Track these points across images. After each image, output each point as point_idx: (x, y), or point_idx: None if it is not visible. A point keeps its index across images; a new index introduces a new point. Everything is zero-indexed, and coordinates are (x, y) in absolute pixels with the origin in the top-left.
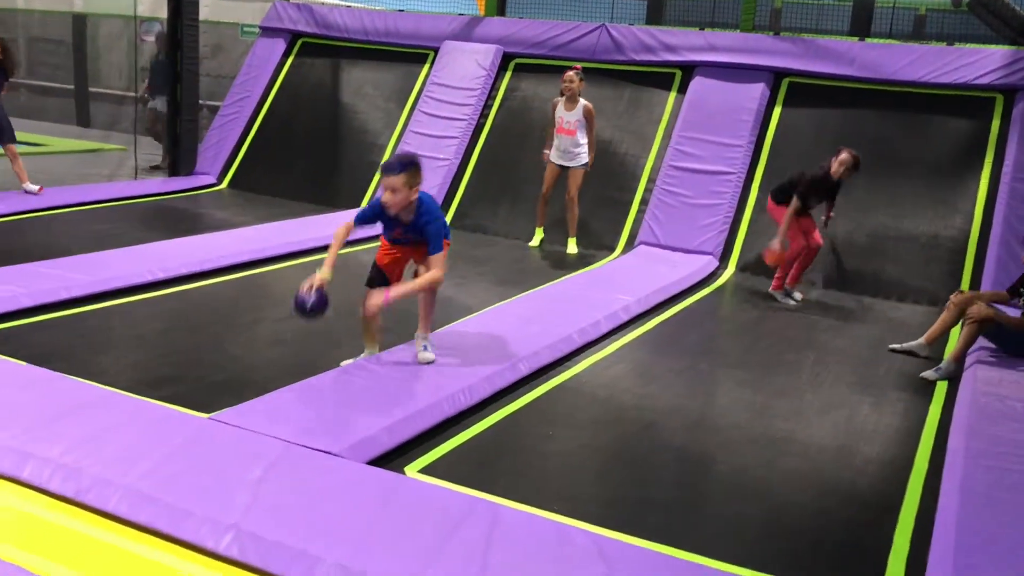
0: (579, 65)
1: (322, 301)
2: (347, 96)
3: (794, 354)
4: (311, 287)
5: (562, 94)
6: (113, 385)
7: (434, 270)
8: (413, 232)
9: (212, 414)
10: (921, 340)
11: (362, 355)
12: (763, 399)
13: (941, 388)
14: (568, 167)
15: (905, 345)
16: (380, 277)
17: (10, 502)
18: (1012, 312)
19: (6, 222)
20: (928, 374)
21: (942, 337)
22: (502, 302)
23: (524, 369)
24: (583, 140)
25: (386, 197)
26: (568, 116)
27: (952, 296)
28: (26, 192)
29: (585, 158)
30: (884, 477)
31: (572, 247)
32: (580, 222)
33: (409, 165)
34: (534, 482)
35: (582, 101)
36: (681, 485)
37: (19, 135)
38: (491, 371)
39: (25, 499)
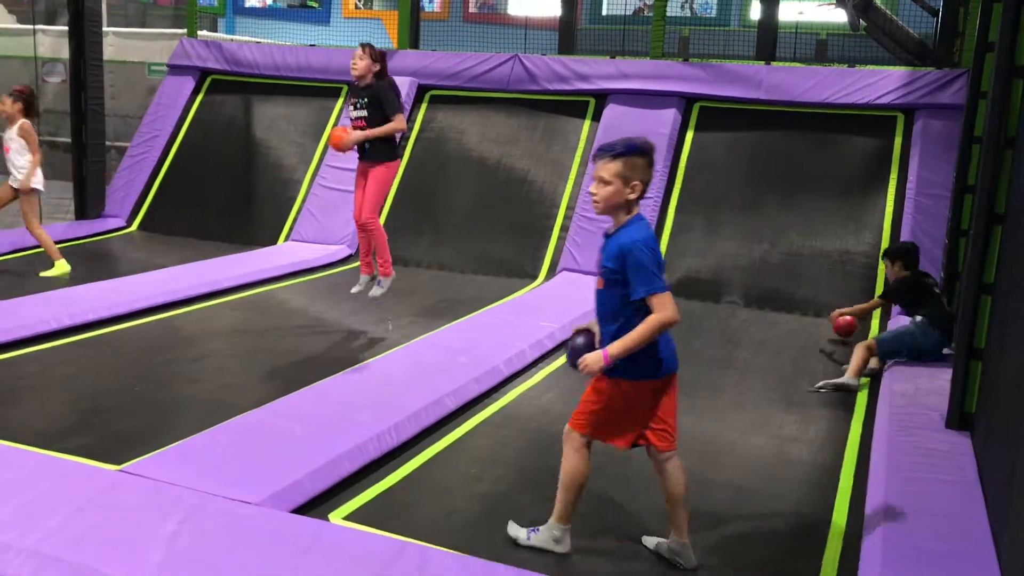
0: None
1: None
2: (260, 132)
3: (717, 374)
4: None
5: None
6: (16, 440)
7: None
8: (611, 251)
9: (123, 465)
10: (849, 375)
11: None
12: (689, 421)
13: (860, 401)
14: None
15: (834, 381)
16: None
17: None
18: (903, 321)
19: None
20: (837, 382)
21: (866, 365)
22: (427, 334)
23: (451, 404)
24: None
25: (592, 187)
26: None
27: (832, 315)
28: None
29: None
30: (813, 491)
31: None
32: (501, 250)
33: (632, 151)
34: (464, 523)
35: None
36: (609, 510)
37: None
38: (417, 408)
39: None
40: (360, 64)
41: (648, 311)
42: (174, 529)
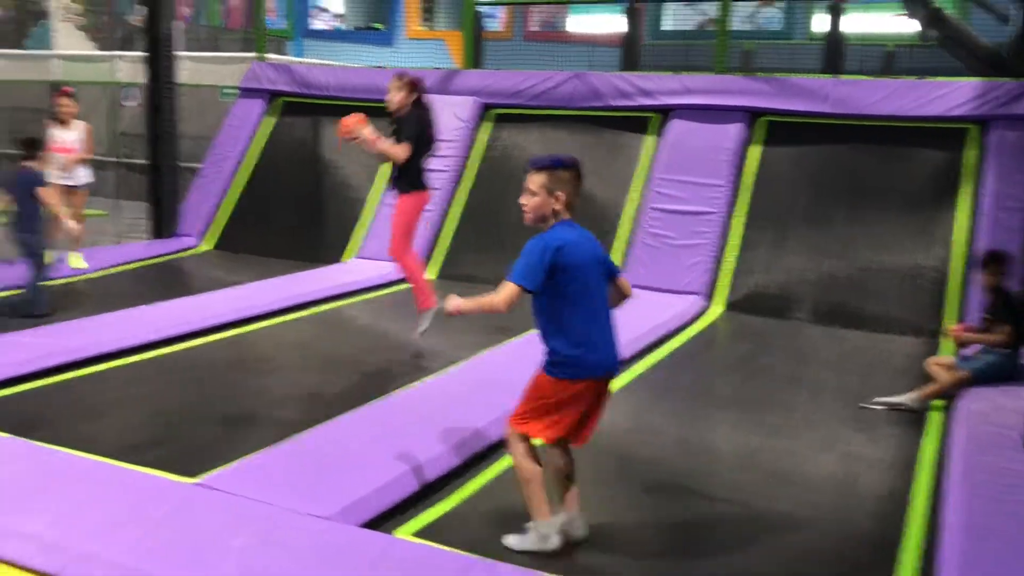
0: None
1: None
2: (328, 153)
3: (786, 391)
4: None
5: None
6: (97, 453)
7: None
8: None
9: (199, 478)
10: (915, 396)
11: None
12: (758, 440)
13: (934, 420)
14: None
15: (892, 400)
16: None
17: None
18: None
19: None
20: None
21: (935, 397)
22: (491, 349)
23: None
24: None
25: (522, 198)
26: None
27: (950, 330)
28: None
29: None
30: (884, 513)
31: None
32: None
33: (552, 166)
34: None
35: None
36: (681, 534)
37: None
38: (482, 424)
39: None
40: (395, 98)
41: (557, 312)
42: (247, 542)
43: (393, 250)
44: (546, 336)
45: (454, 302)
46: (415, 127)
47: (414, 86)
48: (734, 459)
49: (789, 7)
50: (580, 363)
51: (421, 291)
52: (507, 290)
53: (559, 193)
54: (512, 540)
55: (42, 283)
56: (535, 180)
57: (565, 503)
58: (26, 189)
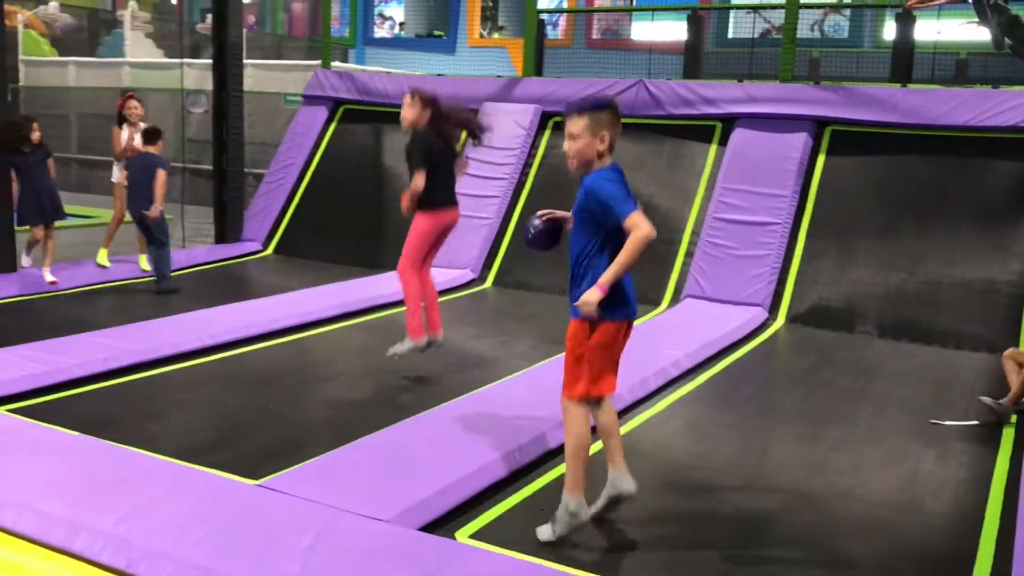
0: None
1: (549, 234)
2: (389, 159)
3: (850, 405)
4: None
5: None
6: (162, 453)
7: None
8: (580, 195)
9: (261, 480)
10: (1004, 402)
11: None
12: (821, 453)
13: (1008, 436)
14: None
15: (966, 423)
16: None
17: (62, 575)
18: None
19: (64, 294)
20: (987, 400)
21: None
22: (548, 359)
23: None
24: None
25: (565, 145)
26: None
27: (1006, 354)
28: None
29: None
30: (954, 533)
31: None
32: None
33: (594, 107)
34: (588, 546)
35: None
36: (740, 546)
37: (69, 208)
38: (541, 431)
39: (77, 572)
40: (408, 114)
41: (613, 242)
42: (310, 543)
43: (400, 267)
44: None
45: (604, 277)
46: (423, 151)
47: (427, 103)
48: (795, 473)
49: (856, 15)
50: (630, 300)
51: (413, 316)
52: (637, 217)
53: (604, 134)
54: (545, 531)
55: (164, 261)
56: (577, 123)
57: (618, 461)
58: (148, 171)
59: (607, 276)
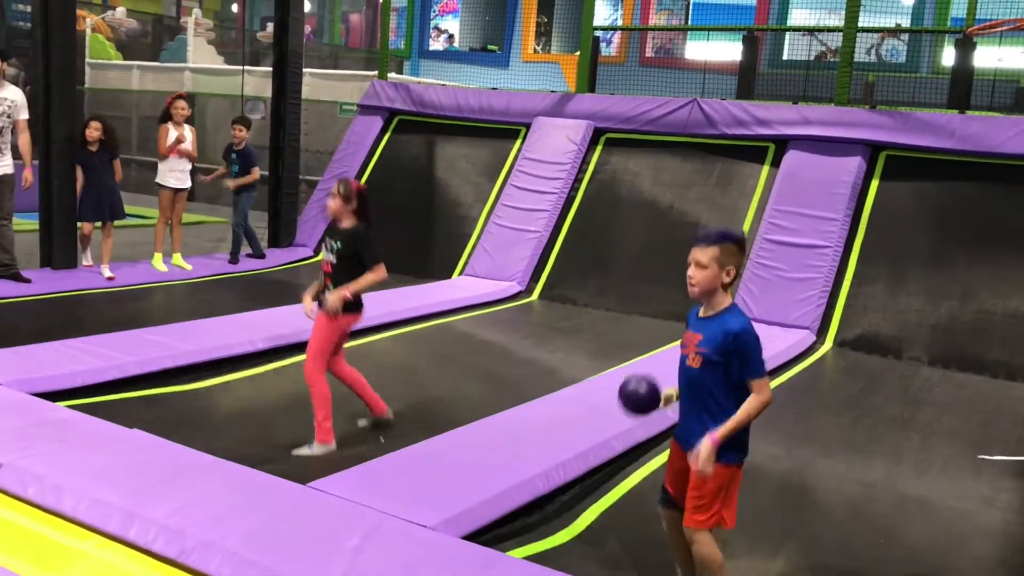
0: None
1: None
2: (441, 171)
3: (897, 434)
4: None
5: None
6: (214, 451)
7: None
8: (715, 336)
9: (311, 482)
10: None
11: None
12: (864, 487)
13: None
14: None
15: (1019, 458)
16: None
17: (117, 562)
18: None
19: (121, 291)
20: None
21: None
22: (594, 376)
23: (618, 447)
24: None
25: (690, 271)
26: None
27: None
28: (102, 275)
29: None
30: (1005, 570)
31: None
32: (670, 294)
33: (725, 239)
34: (631, 568)
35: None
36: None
37: (129, 208)
38: (584, 448)
39: (131, 559)
40: (331, 204)
41: (738, 394)
42: (357, 544)
43: (310, 369)
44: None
45: (719, 433)
46: (374, 244)
47: (358, 195)
48: (839, 503)
49: (915, 39)
50: (747, 443)
51: (321, 419)
52: (766, 383)
53: (730, 267)
54: None
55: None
56: (706, 253)
57: None
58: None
59: (723, 431)
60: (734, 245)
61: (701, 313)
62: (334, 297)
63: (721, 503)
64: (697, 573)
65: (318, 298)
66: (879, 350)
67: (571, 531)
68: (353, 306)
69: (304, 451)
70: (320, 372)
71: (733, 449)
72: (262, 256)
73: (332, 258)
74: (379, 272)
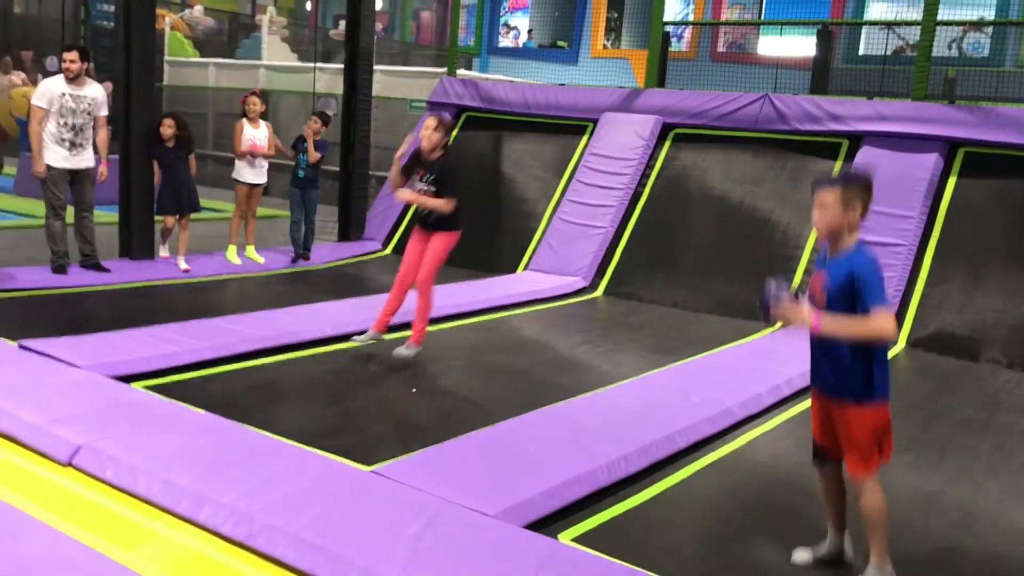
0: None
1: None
2: (508, 166)
3: (972, 437)
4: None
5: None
6: (283, 435)
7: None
8: (838, 273)
9: (374, 467)
10: None
11: None
12: (936, 486)
13: None
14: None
15: None
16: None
17: (188, 542)
18: None
19: (196, 282)
20: None
21: None
22: (658, 370)
23: (681, 441)
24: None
25: (816, 215)
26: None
27: None
28: (178, 266)
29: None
30: None
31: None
32: (740, 291)
33: (849, 180)
34: (687, 560)
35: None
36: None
37: (204, 202)
38: (647, 441)
39: (201, 540)
40: (432, 137)
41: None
42: (418, 530)
43: (423, 280)
44: (872, 358)
45: (826, 322)
46: (456, 178)
47: (449, 129)
48: (910, 503)
49: (999, 32)
50: (886, 384)
51: (422, 327)
52: (888, 317)
53: (856, 203)
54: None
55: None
56: (829, 194)
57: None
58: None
59: (829, 324)
60: (858, 185)
61: (829, 255)
62: (407, 194)
63: (877, 447)
64: (863, 526)
65: (416, 218)
66: (954, 351)
67: (623, 507)
68: (451, 225)
69: (402, 351)
70: (432, 285)
71: (871, 390)
72: (307, 258)
73: (431, 188)
74: (450, 203)
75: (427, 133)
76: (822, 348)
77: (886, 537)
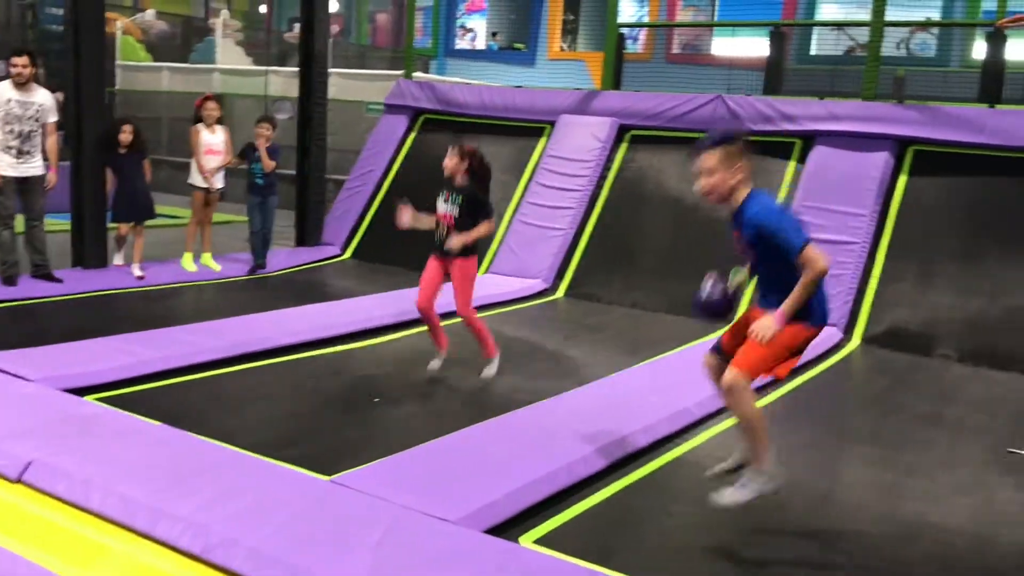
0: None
1: (727, 303)
2: None
3: (925, 430)
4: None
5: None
6: (241, 446)
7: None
8: (746, 230)
9: (333, 476)
10: None
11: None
12: (892, 478)
13: None
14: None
15: None
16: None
17: (143, 558)
18: None
19: (151, 290)
20: None
21: None
22: (618, 371)
23: (641, 441)
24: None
25: (700, 182)
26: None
27: None
28: (132, 274)
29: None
30: None
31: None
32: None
33: (725, 139)
34: (651, 558)
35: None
36: (804, 567)
37: (159, 208)
38: (607, 442)
39: (157, 555)
40: (449, 163)
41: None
42: (378, 539)
43: (464, 312)
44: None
45: (784, 310)
46: (487, 200)
47: (471, 155)
48: (863, 496)
49: (945, 33)
50: (825, 308)
51: (490, 342)
52: (811, 251)
53: (739, 164)
54: (731, 495)
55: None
56: (710, 158)
57: None
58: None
59: (783, 310)
60: (733, 144)
61: (731, 213)
62: (458, 240)
63: (775, 358)
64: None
65: (436, 242)
66: (907, 347)
67: (582, 507)
68: (471, 251)
69: (487, 371)
70: (472, 309)
71: (808, 312)
72: (262, 267)
73: (455, 210)
74: (491, 225)
75: (446, 161)
76: (766, 284)
77: (765, 440)
